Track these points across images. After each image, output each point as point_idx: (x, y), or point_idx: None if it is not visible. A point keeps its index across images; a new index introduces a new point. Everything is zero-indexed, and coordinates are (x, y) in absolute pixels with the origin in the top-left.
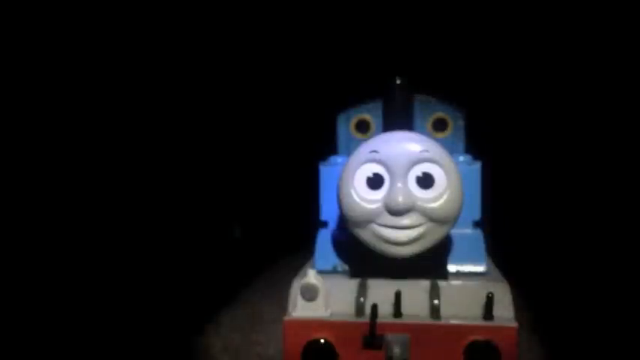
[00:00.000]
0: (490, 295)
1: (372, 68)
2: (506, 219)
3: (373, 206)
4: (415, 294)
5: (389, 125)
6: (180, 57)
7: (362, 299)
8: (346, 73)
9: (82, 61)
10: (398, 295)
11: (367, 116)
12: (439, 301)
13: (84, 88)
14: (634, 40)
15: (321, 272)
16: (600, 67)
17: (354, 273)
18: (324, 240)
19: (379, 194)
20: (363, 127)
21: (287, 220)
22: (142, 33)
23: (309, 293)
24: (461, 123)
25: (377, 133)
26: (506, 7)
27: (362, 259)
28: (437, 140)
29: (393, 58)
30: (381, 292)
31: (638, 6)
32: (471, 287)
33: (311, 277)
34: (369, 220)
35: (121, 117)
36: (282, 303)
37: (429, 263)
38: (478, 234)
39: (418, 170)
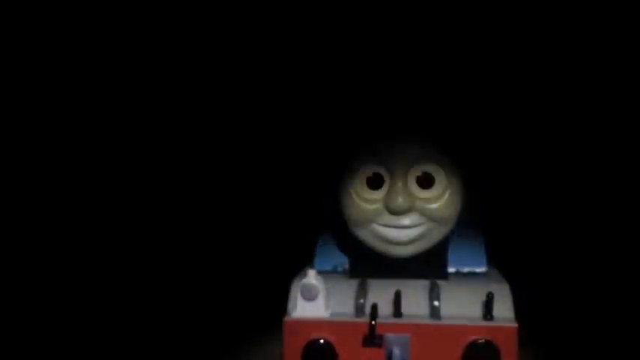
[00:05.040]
0: (490, 295)
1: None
2: (506, 219)
3: (373, 206)
4: (415, 294)
5: None
6: (180, 59)
7: (362, 299)
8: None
9: (82, 61)
10: (398, 295)
11: None
12: (439, 301)
13: (86, 88)
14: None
15: (321, 272)
16: (598, 68)
17: (354, 273)
18: (324, 240)
19: (379, 194)
20: None
21: (287, 220)
22: (145, 43)
23: (309, 293)
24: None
25: None
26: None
27: (362, 259)
28: None
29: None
30: (381, 292)
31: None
32: (471, 287)
33: (311, 277)
34: (369, 220)
35: (119, 119)
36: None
37: (429, 263)
38: (478, 234)
39: (418, 170)
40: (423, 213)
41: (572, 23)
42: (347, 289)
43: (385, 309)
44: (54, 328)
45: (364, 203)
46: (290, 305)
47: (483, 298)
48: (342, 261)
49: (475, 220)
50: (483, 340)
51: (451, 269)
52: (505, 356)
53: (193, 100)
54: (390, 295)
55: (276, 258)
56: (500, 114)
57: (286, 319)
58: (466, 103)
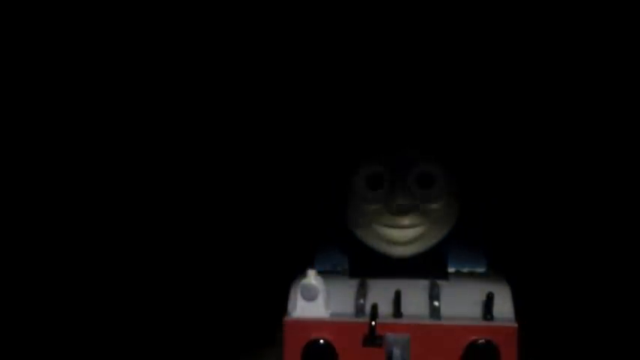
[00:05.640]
0: (490, 295)
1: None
2: (507, 219)
3: (373, 206)
4: (415, 294)
5: None
6: (180, 59)
7: (362, 299)
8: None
9: (83, 61)
10: (398, 295)
11: None
12: (439, 301)
13: (86, 88)
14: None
15: (321, 272)
16: (597, 70)
17: (354, 273)
18: (324, 240)
19: (379, 194)
20: None
21: (287, 220)
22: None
23: (309, 293)
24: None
25: None
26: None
27: (362, 259)
28: None
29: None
30: (381, 292)
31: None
32: (471, 287)
33: (311, 277)
34: (369, 220)
35: (119, 119)
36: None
37: (429, 263)
38: (478, 234)
39: (418, 170)
40: (423, 213)
41: (571, 27)
42: (347, 289)
43: (385, 309)
44: (50, 330)
45: (364, 203)
46: (290, 305)
47: (483, 298)
48: (342, 261)
49: (475, 220)
50: (483, 340)
51: (451, 269)
52: (505, 356)
53: (193, 102)
54: (390, 295)
55: (276, 259)
56: (500, 114)
57: (286, 319)
58: (466, 103)
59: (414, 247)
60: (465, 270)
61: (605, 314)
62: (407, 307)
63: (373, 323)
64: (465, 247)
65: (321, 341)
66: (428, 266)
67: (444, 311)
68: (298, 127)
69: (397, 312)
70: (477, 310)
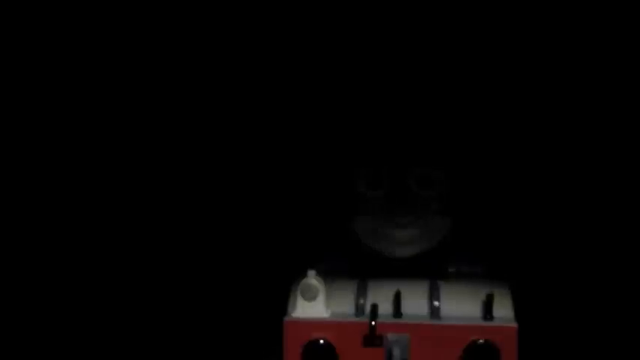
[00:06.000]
0: (490, 295)
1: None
2: (506, 219)
3: (373, 206)
4: (415, 294)
5: None
6: (179, 59)
7: (362, 299)
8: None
9: (82, 61)
10: (398, 295)
11: None
12: (439, 301)
13: (86, 88)
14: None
15: (321, 272)
16: (596, 71)
17: (354, 273)
18: (324, 240)
19: (379, 194)
20: None
21: (287, 220)
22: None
23: (309, 293)
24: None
25: None
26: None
27: (362, 259)
28: None
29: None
30: (381, 292)
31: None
32: (471, 287)
33: (311, 277)
34: (369, 219)
35: (119, 119)
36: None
37: (429, 263)
38: (478, 234)
39: (418, 170)
40: (423, 213)
41: (569, 28)
42: (347, 289)
43: (385, 309)
44: (50, 330)
45: (364, 203)
46: (290, 305)
47: (483, 298)
48: (342, 261)
49: (475, 221)
50: (483, 341)
51: (451, 269)
52: (505, 356)
53: (192, 103)
54: (390, 295)
55: (276, 259)
56: (500, 115)
57: (286, 319)
58: (466, 104)
59: (414, 247)
60: (465, 270)
61: (606, 314)
62: (407, 307)
63: (373, 323)
64: (465, 248)
65: (321, 341)
66: (428, 266)
67: (443, 311)
68: (299, 127)
69: (397, 312)
70: (476, 310)
